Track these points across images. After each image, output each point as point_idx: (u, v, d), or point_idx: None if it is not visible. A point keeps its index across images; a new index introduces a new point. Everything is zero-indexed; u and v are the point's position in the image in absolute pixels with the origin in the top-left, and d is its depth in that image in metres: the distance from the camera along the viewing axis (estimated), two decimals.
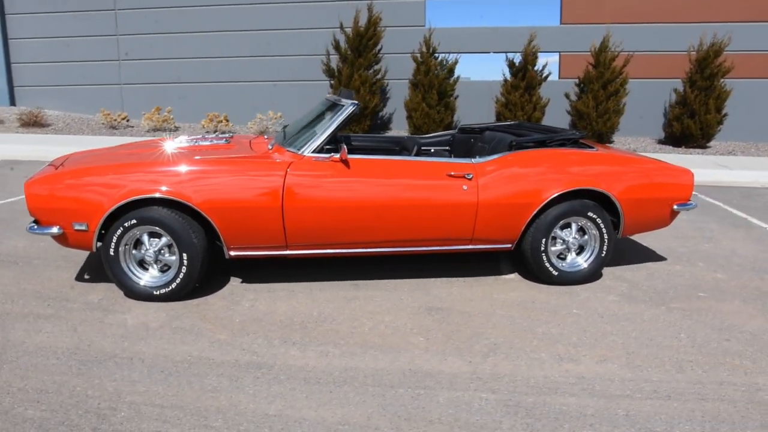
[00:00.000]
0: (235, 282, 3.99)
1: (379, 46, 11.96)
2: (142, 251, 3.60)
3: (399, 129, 12.70)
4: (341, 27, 11.77)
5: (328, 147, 4.86)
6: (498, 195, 3.79)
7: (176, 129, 13.03)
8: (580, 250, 4.11)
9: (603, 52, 11.13)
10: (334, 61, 12.01)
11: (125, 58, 13.80)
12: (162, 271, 3.65)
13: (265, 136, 4.56)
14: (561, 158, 3.97)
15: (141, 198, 3.45)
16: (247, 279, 4.04)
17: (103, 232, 3.53)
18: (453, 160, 3.85)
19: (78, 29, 13.82)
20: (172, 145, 4.11)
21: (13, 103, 14.47)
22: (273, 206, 3.56)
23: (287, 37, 13.06)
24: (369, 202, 3.65)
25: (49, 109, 14.16)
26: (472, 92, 12.52)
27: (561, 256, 4.09)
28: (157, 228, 3.52)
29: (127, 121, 13.44)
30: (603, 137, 11.24)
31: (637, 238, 5.26)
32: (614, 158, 4.15)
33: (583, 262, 4.06)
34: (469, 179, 3.76)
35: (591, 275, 4.06)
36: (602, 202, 4.00)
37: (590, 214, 3.94)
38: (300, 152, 3.70)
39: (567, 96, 11.55)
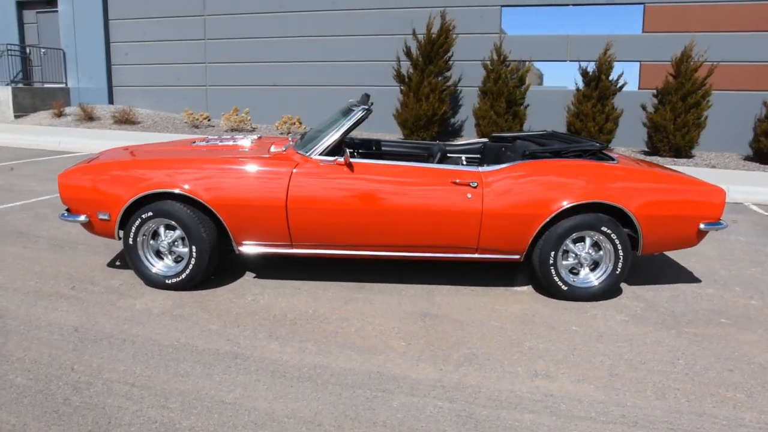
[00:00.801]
0: (248, 276, 4.17)
1: (450, 53, 11.95)
2: (158, 242, 3.85)
3: (468, 137, 12.60)
4: (414, 33, 11.87)
5: (360, 151, 5.01)
6: (503, 205, 3.73)
7: (253, 129, 13.65)
8: (595, 266, 3.95)
9: (684, 62, 10.52)
10: (406, 67, 12.12)
11: (211, 61, 14.61)
12: (176, 261, 3.89)
13: (290, 138, 4.71)
14: (573, 170, 3.84)
15: (156, 192, 3.69)
16: (261, 275, 4.21)
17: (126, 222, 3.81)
18: (459, 167, 3.83)
19: (169, 34, 14.81)
20: (198, 144, 4.36)
21: (111, 101, 15.72)
22: (277, 205, 3.70)
23: (360, 42, 13.34)
24: (370, 206, 3.71)
25: (141, 107, 15.27)
26: (543, 101, 12.22)
27: (574, 271, 3.95)
28: (172, 221, 3.75)
29: (209, 120, 14.22)
30: (681, 151, 10.63)
31: (677, 257, 4.96)
32: (634, 172, 3.96)
33: (594, 278, 3.90)
34: (474, 187, 3.73)
35: (603, 293, 3.89)
36: (620, 218, 3.83)
37: (604, 228, 3.78)
38: (308, 154, 3.82)
39: (643, 107, 11.00)
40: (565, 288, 3.88)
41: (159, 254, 3.90)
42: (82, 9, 15.21)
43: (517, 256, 3.91)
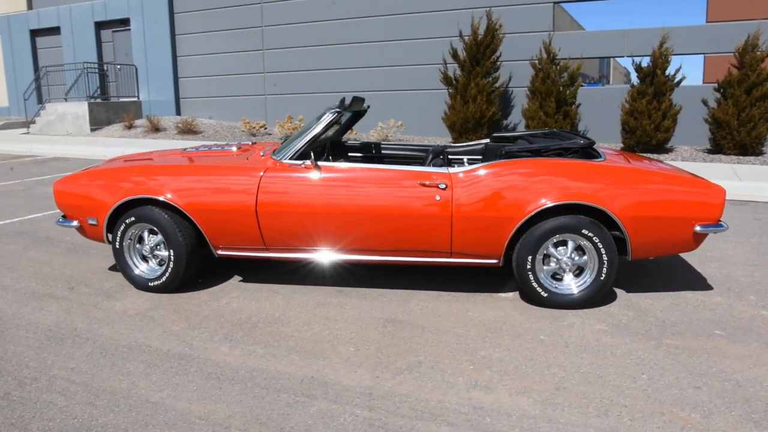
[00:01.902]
0: (233, 280, 4.26)
1: (498, 54, 11.69)
2: (143, 246, 4.00)
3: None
4: (460, 35, 11.72)
5: (360, 155, 4.99)
6: (474, 207, 3.59)
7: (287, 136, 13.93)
8: (580, 271, 3.72)
9: (749, 52, 9.74)
10: (453, 69, 11.97)
11: (269, 70, 15.07)
12: (160, 265, 4.03)
13: (280, 143, 4.76)
14: (550, 169, 3.63)
15: (136, 198, 3.84)
16: (247, 278, 4.28)
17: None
18: (429, 169, 3.72)
19: (230, 46, 15.42)
20: (189, 150, 4.51)
21: (178, 112, 16.57)
22: (248, 210, 3.75)
23: (407, 46, 13.32)
24: (337, 209, 3.69)
25: (204, 118, 15.98)
26: (597, 99, 11.70)
27: (557, 277, 3.75)
28: (153, 226, 3.89)
29: (265, 128, 14.67)
30: (747, 149, 9.84)
31: (695, 262, 4.59)
32: (619, 170, 3.69)
33: (574, 285, 3.68)
34: (443, 189, 3.62)
35: (586, 300, 3.66)
36: (606, 220, 3.59)
37: (585, 231, 3.56)
38: (278, 159, 3.85)
39: (704, 102, 10.27)
40: (545, 294, 3.68)
41: (145, 258, 4.06)
42: (151, 26, 16.15)
43: (495, 261, 3.75)
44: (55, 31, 17.75)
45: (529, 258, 3.63)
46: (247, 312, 3.67)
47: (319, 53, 14.35)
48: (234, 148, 4.44)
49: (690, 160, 9.88)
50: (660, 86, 10.21)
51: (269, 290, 4.05)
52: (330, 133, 4.92)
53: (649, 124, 10.25)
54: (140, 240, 4.03)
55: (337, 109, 3.93)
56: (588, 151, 3.96)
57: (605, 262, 3.60)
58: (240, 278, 4.29)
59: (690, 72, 10.12)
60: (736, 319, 3.54)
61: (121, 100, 16.84)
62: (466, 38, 11.61)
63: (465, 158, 5.02)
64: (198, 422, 2.46)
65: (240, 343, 3.22)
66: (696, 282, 4.21)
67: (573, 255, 3.67)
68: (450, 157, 5.01)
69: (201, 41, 15.80)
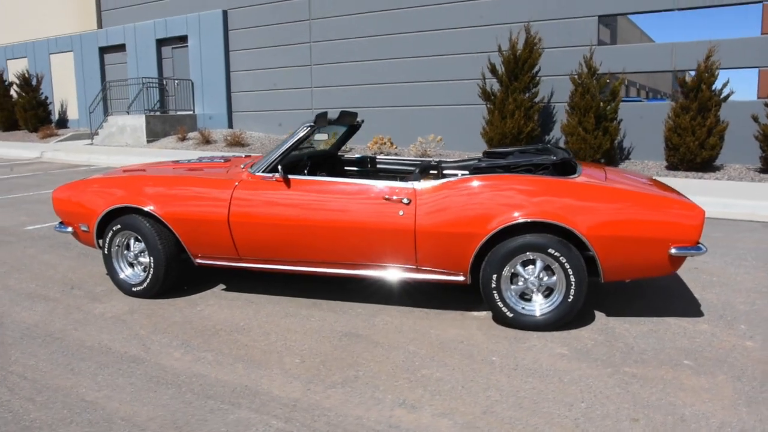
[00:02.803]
0: (217, 288, 4.38)
1: (536, 68, 11.51)
2: (129, 252, 4.19)
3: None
4: (499, 50, 11.62)
5: (354, 169, 5.03)
6: (437, 222, 3.56)
7: (348, 150, 14.13)
8: (549, 292, 3.61)
9: None
10: (492, 84, 11.86)
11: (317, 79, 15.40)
12: (144, 271, 4.20)
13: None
14: (514, 186, 3.55)
15: (120, 207, 4.04)
16: (230, 287, 4.40)
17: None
18: (394, 183, 3.71)
19: (279, 61, 15.89)
20: (181, 162, 4.69)
21: (230, 126, 17.17)
22: (221, 220, 3.87)
23: (447, 62, 13.31)
24: (304, 222, 3.74)
25: (254, 131, 16.50)
26: (639, 115, 11.29)
27: (526, 297, 3.65)
28: (137, 234, 4.07)
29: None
30: None
31: (696, 286, 4.35)
32: (588, 188, 3.55)
33: (538, 307, 3.56)
34: (407, 204, 3.61)
35: (552, 323, 3.54)
36: (576, 240, 3.48)
37: (551, 251, 3.45)
38: (253, 172, 3.95)
39: (755, 119, 9.71)
40: (511, 315, 3.59)
41: (132, 264, 4.24)
42: (207, 43, 16.87)
43: (461, 278, 3.70)
44: (120, 48, 18.85)
45: (494, 276, 3.56)
46: (215, 320, 3.77)
47: (362, 68, 14.57)
48: (219, 161, 4.58)
49: (737, 179, 9.36)
50: (705, 101, 9.74)
51: (245, 299, 4.14)
52: (322, 146, 5.01)
53: (693, 141, 9.79)
54: (128, 247, 4.21)
55: (311, 124, 3.99)
56: (566, 167, 3.84)
57: (573, 283, 3.48)
58: (224, 287, 4.41)
59: (743, 86, 9.56)
60: (714, 349, 3.33)
61: (178, 113, 17.65)
62: (505, 53, 11.49)
63: (459, 173, 4.96)
64: (119, 423, 2.55)
65: (194, 350, 3.32)
66: (688, 308, 3.98)
67: (541, 275, 3.57)
68: (445, 171, 4.97)
69: (252, 57, 16.37)
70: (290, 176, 3.86)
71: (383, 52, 14.17)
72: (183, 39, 17.53)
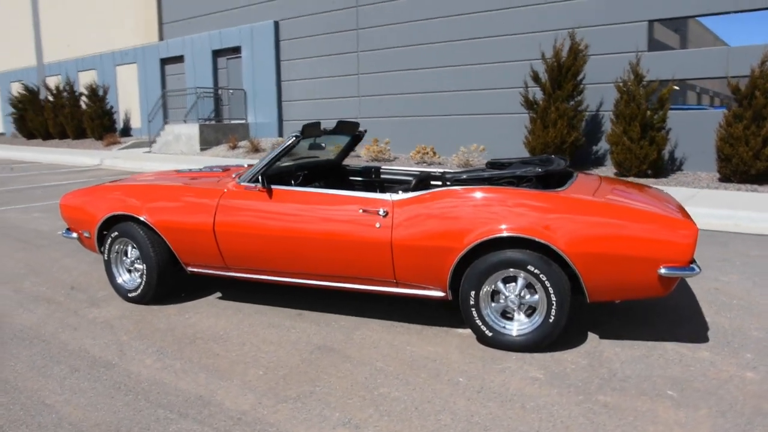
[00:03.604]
0: (211, 297, 4.44)
1: (581, 75, 11.13)
2: (127, 259, 4.31)
3: (602, 166, 11.54)
4: (542, 57, 11.32)
5: (359, 179, 4.99)
6: (413, 235, 3.46)
7: (392, 159, 14.14)
8: (533, 311, 3.44)
9: None
10: (535, 92, 11.57)
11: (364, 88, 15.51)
12: (141, 277, 4.31)
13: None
14: (494, 198, 3.40)
15: (116, 215, 4.16)
16: (227, 296, 4.45)
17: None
18: (371, 194, 3.65)
19: (327, 71, 16.10)
20: (182, 171, 4.80)
21: (280, 134, 17.52)
22: (208, 230, 3.92)
23: (490, 70, 13.10)
24: (283, 233, 3.73)
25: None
26: (689, 124, 10.70)
27: (508, 316, 3.49)
28: (132, 241, 4.18)
29: (355, 150, 15.07)
30: None
31: (711, 310, 4.04)
32: (571, 202, 3.35)
33: (516, 326, 3.40)
34: (383, 216, 3.53)
35: (532, 344, 3.37)
36: (558, 257, 3.30)
37: (531, 268, 3.29)
38: (239, 182, 3.99)
39: None
40: (490, 334, 3.44)
41: (129, 270, 4.36)
42: (259, 53, 17.32)
43: (441, 294, 3.58)
44: (179, 59, 19.64)
45: (472, 293, 3.43)
46: (198, 328, 3.81)
47: (406, 77, 14.54)
48: (217, 170, 4.65)
49: None
50: (759, 109, 9.12)
51: (236, 308, 4.17)
52: (324, 156, 5.00)
53: (746, 152, 9.18)
54: (126, 253, 4.34)
55: (297, 134, 3.98)
56: (553, 180, 3.66)
57: (554, 302, 3.30)
58: (220, 295, 4.46)
59: None
60: (707, 380, 3.07)
61: (232, 122, 18.19)
62: (549, 60, 11.17)
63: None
64: (66, 427, 2.61)
65: (166, 357, 3.36)
66: (694, 332, 3.71)
67: (523, 293, 3.41)
68: (448, 183, 4.84)
69: (302, 67, 16.66)
70: (274, 186, 3.86)
71: (426, 61, 14.10)
72: (236, 50, 18.07)
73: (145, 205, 4.11)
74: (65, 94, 21.64)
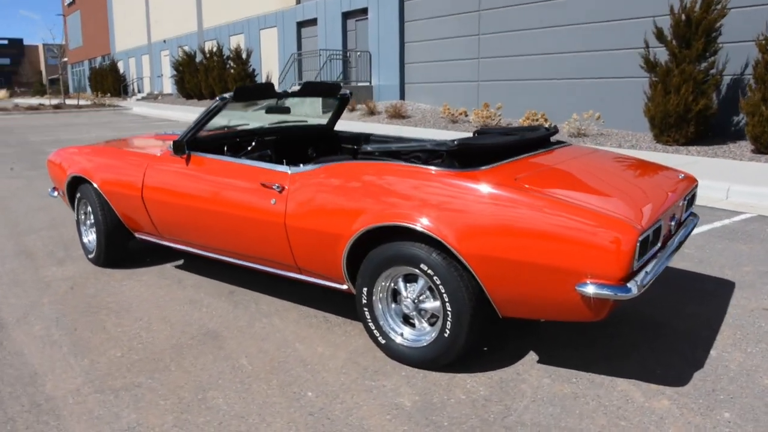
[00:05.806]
0: (168, 265, 4.31)
1: (716, 32, 9.23)
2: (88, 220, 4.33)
3: (742, 140, 9.56)
4: (671, 11, 9.56)
5: (368, 151, 4.51)
6: (304, 216, 2.95)
7: (509, 124, 13.14)
8: (436, 320, 2.78)
9: None
10: (657, 53, 9.87)
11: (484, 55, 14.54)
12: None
13: None
14: (385, 177, 2.73)
15: (76, 176, 4.16)
16: (183, 266, 4.30)
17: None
18: (272, 166, 3.15)
19: (449, 31, 15.31)
20: (159, 135, 4.68)
21: (402, 97, 17.17)
22: (137, 195, 3.75)
23: (610, 28, 11.41)
24: (193, 202, 3.42)
25: (423, 103, 16.26)
26: None
27: (411, 322, 2.87)
28: (89, 204, 4.16)
29: (466, 115, 14.28)
30: None
31: (728, 341, 3.01)
32: (466, 190, 2.53)
33: (409, 337, 2.77)
34: (279, 192, 3.06)
35: (429, 361, 2.71)
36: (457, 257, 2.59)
37: (424, 267, 2.63)
38: (169, 147, 3.73)
39: None
40: (383, 341, 2.86)
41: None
42: (384, 14, 16.98)
43: (343, 286, 3.04)
44: (313, 22, 19.99)
45: (365, 290, 2.85)
46: (119, 297, 3.69)
47: (522, 37, 13.28)
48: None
49: None
50: None
51: (176, 279, 4.00)
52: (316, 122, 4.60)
53: None
54: (87, 215, 4.33)
55: (224, 96, 3.59)
56: (474, 156, 2.85)
57: (449, 313, 2.61)
58: (178, 263, 4.32)
59: None
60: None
61: (359, 84, 18.17)
62: (677, 14, 9.39)
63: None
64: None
65: (54, 326, 3.27)
66: (676, 369, 2.76)
67: (422, 297, 2.75)
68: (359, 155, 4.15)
69: (424, 28, 16.02)
70: (194, 153, 3.55)
71: (550, 19, 12.72)
72: (364, 11, 17.88)
73: (97, 168, 4.05)
74: (215, 57, 23.24)
